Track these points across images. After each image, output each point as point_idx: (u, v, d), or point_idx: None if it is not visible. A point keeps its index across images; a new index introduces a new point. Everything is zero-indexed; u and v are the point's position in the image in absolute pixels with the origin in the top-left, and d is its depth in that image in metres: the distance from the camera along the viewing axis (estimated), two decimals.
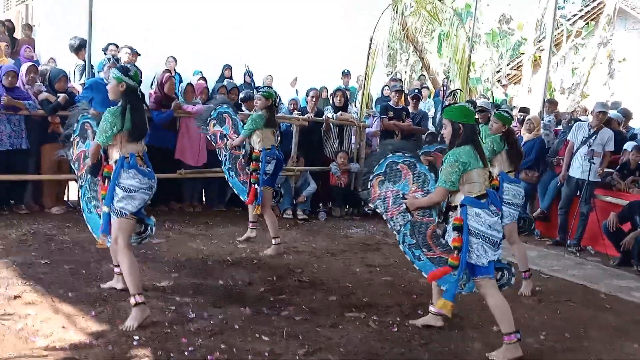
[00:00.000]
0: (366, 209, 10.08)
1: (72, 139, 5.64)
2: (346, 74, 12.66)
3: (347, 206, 10.11)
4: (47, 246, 6.77)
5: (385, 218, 5.22)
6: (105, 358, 4.12)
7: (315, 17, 13.19)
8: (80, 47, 9.68)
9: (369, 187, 5.18)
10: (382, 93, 12.80)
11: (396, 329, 5.02)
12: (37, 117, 8.26)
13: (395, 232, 5.15)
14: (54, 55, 10.64)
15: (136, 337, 4.46)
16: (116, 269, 5.35)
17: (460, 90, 11.82)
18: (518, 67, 22.48)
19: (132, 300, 4.67)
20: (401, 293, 6.00)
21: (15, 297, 5.15)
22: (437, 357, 4.51)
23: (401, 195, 5.01)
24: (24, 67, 8.55)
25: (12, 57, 10.70)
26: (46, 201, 8.49)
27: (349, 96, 10.92)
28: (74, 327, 4.63)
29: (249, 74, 11.69)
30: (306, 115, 9.81)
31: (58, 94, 8.35)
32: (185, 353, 4.27)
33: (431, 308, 5.10)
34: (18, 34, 12.79)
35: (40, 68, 9.03)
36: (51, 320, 4.73)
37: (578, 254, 8.48)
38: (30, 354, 4.13)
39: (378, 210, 5.27)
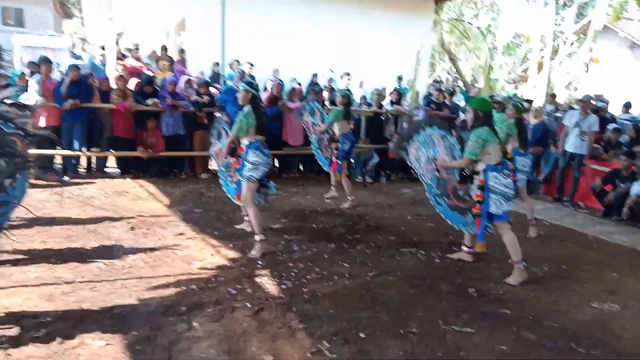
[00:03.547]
0: (414, 174, 9.93)
1: (212, 141, 5.82)
2: (400, 78, 12.43)
3: (401, 172, 10.02)
4: (199, 200, 6.97)
5: (418, 173, 5.18)
6: (240, 275, 4.27)
7: (378, 34, 12.97)
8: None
9: (408, 149, 5.19)
10: (428, 91, 12.55)
11: (438, 260, 5.00)
12: (189, 112, 8.52)
13: (424, 184, 5.12)
14: (202, 69, 10.91)
15: (259, 262, 4.61)
16: (245, 216, 5.53)
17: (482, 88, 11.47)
18: (525, 70, 21.64)
19: (256, 237, 4.82)
20: (441, 235, 5.93)
21: (180, 234, 5.38)
22: (469, 279, 4.48)
23: (432, 157, 4.99)
24: (183, 78, 8.81)
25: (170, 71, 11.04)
26: (197, 169, 8.74)
27: (402, 94, 10.75)
28: (218, 254, 4.81)
29: (330, 79, 11.66)
30: (371, 108, 9.75)
31: (203, 96, 8.60)
32: (292, 273, 4.36)
33: (463, 247, 5.06)
34: (174, 55, 13.15)
35: (191, 79, 9.28)
36: (204, 250, 4.91)
37: (572, 207, 8.17)
38: (191, 272, 4.32)
39: (413, 167, 5.24)
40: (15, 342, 2.97)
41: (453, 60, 19.81)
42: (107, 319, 3.34)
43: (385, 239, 5.63)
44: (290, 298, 3.84)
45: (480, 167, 4.48)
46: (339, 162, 7.17)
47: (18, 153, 2.02)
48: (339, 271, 4.48)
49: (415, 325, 3.51)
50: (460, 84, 17.57)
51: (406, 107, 10.26)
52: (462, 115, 10.55)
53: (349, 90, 7.71)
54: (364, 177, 9.50)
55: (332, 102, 9.23)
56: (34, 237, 4.90)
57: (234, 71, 10.70)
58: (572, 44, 19.94)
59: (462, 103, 12.05)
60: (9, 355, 2.84)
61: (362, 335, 3.32)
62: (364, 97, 10.36)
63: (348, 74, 10.76)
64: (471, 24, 19.26)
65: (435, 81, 15.23)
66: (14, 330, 3.11)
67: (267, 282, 4.15)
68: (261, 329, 3.32)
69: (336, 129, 7.19)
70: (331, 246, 5.21)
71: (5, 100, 3.24)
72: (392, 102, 10.01)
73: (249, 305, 3.65)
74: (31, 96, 7.33)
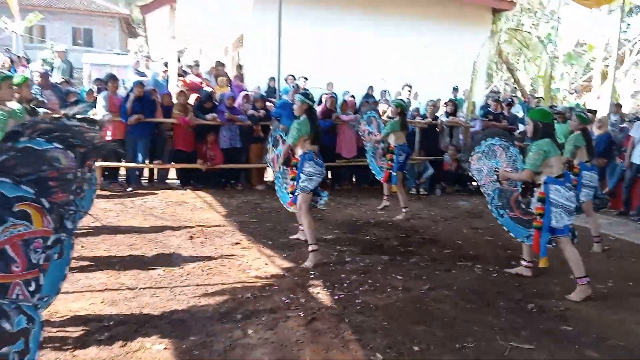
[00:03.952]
0: (470, 187, 9.78)
1: (268, 148, 5.93)
2: (455, 89, 12.23)
3: (457, 185, 9.82)
4: (255, 210, 7.10)
5: (479, 184, 5.08)
6: (293, 284, 4.29)
7: (433, 45, 12.85)
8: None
9: (469, 160, 5.09)
10: (485, 102, 12.28)
11: (495, 275, 4.85)
12: (246, 126, 8.72)
13: (486, 195, 4.99)
14: (259, 84, 11.18)
15: (312, 272, 4.62)
16: (300, 226, 5.58)
17: (542, 98, 11.08)
18: (589, 80, 20.81)
19: (310, 248, 4.83)
20: (499, 249, 5.76)
21: (236, 244, 5.48)
22: (528, 295, 4.30)
23: (494, 169, 4.87)
24: (241, 94, 9.05)
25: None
26: (253, 180, 8.93)
27: (457, 105, 10.57)
28: (272, 264, 4.86)
29: (384, 91, 11.63)
30: (425, 120, 9.64)
31: (259, 110, 8.78)
32: (344, 284, 4.34)
33: (522, 261, 4.88)
34: (232, 71, 13.54)
35: (248, 94, 9.50)
36: (259, 259, 4.98)
37: (638, 221, 7.73)
38: (247, 280, 4.39)
39: (474, 178, 5.14)
40: (81, 344, 3.12)
41: (511, 70, 19.29)
42: (166, 324, 3.44)
43: (440, 252, 5.52)
44: (343, 309, 3.82)
45: (542, 179, 4.33)
46: (394, 173, 7.12)
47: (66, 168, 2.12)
48: (393, 284, 4.43)
49: (471, 340, 3.40)
50: (519, 94, 17.05)
51: (462, 118, 10.07)
52: (520, 127, 10.27)
53: (402, 100, 7.66)
54: (418, 190, 9.37)
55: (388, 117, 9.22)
56: (100, 244, 5.13)
57: (289, 85, 10.89)
58: (638, 52, 19.01)
59: (520, 114, 11.72)
60: (75, 356, 2.98)
61: (416, 348, 3.25)
62: (417, 109, 10.27)
63: (409, 86, 10.66)
64: (530, 33, 18.71)
65: (492, 92, 14.88)
66: (79, 333, 3.26)
67: (320, 292, 4.15)
68: (314, 339, 3.32)
69: (392, 139, 7.15)
70: (384, 258, 5.16)
71: (76, 116, 3.44)
72: (447, 114, 9.86)
73: (302, 315, 3.67)
74: (99, 111, 7.74)
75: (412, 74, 12.18)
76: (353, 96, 10.53)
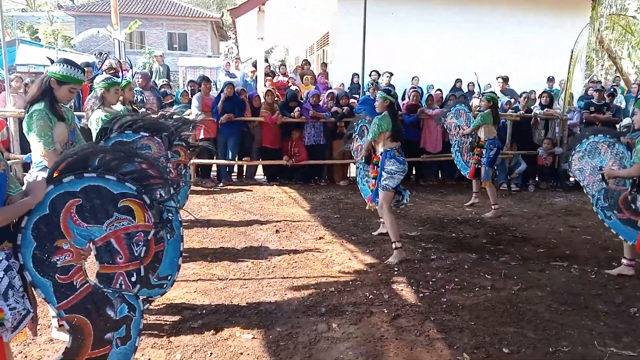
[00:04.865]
0: (567, 182, 9.21)
1: (353, 136, 5.96)
2: (551, 79, 11.53)
3: (552, 181, 9.27)
4: (338, 206, 7.16)
5: (582, 185, 4.77)
6: (377, 280, 4.29)
7: (526, 34, 12.21)
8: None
9: (570, 160, 4.79)
10: (586, 92, 11.48)
11: (594, 276, 4.53)
12: (330, 123, 8.81)
13: (590, 196, 4.67)
14: (343, 81, 11.25)
15: (396, 269, 4.58)
16: (382, 223, 5.55)
17: None
18: None
19: (393, 245, 4.80)
20: (598, 248, 5.39)
21: (320, 238, 5.57)
22: (631, 298, 3.99)
23: (598, 167, 4.54)
24: (326, 93, 9.15)
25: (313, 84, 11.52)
26: (336, 177, 8.99)
27: (553, 96, 9.96)
28: (355, 259, 4.89)
29: (472, 84, 11.22)
30: (518, 112, 9.19)
31: (343, 107, 8.83)
32: (429, 282, 4.27)
33: (623, 260, 4.53)
34: (317, 69, 13.71)
35: (332, 92, 9.57)
36: (342, 254, 5.03)
37: None
38: (331, 274, 4.45)
39: (576, 178, 4.84)
40: (176, 331, 3.32)
41: (613, 58, 17.88)
42: (254, 315, 3.57)
43: (532, 251, 5.26)
44: (428, 307, 3.76)
45: None
46: (486, 169, 6.85)
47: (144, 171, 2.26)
48: (481, 283, 4.29)
49: (566, 344, 3.22)
50: (622, 83, 15.77)
51: (558, 110, 9.49)
52: (626, 120, 9.50)
53: (494, 93, 7.35)
54: (510, 185, 8.96)
55: (478, 110, 8.90)
56: (193, 237, 5.42)
57: (371, 82, 10.83)
58: None
59: (622, 105, 10.86)
60: (170, 342, 3.17)
61: (505, 350, 3.13)
62: (509, 102, 9.81)
63: (502, 78, 10.20)
64: (636, 17, 17.18)
65: (591, 81, 13.89)
66: (174, 320, 3.47)
67: (404, 290, 4.11)
68: (398, 336, 3.30)
69: (482, 133, 6.89)
70: (472, 256, 5.00)
71: (174, 116, 3.66)
72: (542, 105, 9.34)
73: (386, 311, 3.65)
74: (193, 112, 8.16)
75: (504, 65, 11.67)
76: (440, 90, 10.29)
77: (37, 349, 3.04)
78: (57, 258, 2.04)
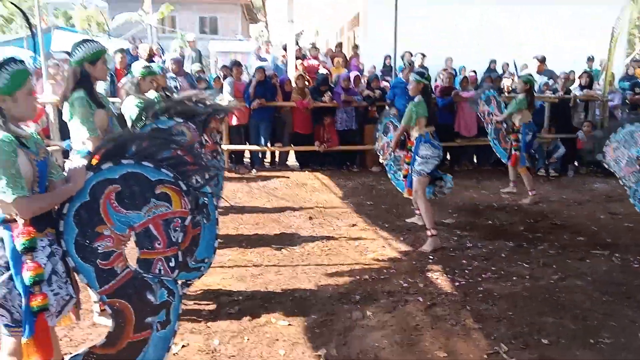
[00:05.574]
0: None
1: (378, 135, 5.88)
2: (590, 59, 11.12)
3: (592, 165, 8.98)
4: (371, 193, 7.13)
5: (618, 176, 4.60)
6: (411, 268, 4.27)
7: (564, 12, 11.81)
8: None
9: (604, 150, 4.61)
10: (625, 72, 11.03)
11: (637, 265, 4.39)
12: (361, 107, 8.72)
13: (626, 188, 4.51)
14: (375, 63, 11.11)
15: (431, 257, 4.55)
16: (416, 210, 5.50)
17: None
18: None
19: (428, 232, 4.75)
20: None
21: (353, 225, 5.56)
22: None
23: (635, 158, 4.37)
24: (352, 74, 9.05)
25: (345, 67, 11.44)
26: (369, 162, 8.93)
27: (593, 77, 9.61)
28: (390, 246, 4.87)
29: (507, 64, 10.92)
30: (556, 94, 8.91)
31: (375, 91, 8.73)
32: (465, 270, 4.23)
33: None
34: (348, 51, 13.58)
35: (363, 74, 9.48)
36: (375, 242, 5.01)
37: None
38: (364, 262, 4.45)
39: (611, 169, 4.65)
40: (214, 316, 3.38)
41: None
42: (289, 301, 3.60)
43: (572, 239, 5.12)
44: (464, 296, 3.72)
45: None
46: (522, 154, 6.67)
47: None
48: (518, 272, 4.21)
49: (608, 336, 3.14)
50: None
51: (598, 91, 9.16)
52: None
53: (531, 75, 7.13)
54: (548, 171, 8.73)
55: (512, 90, 8.68)
56: (228, 223, 5.48)
57: (405, 63, 10.66)
58: None
59: None
60: (208, 327, 3.23)
61: (544, 341, 3.08)
62: (546, 83, 9.53)
63: (538, 59, 9.88)
64: None
65: (634, 60, 13.33)
66: (212, 306, 3.53)
67: (439, 278, 4.08)
68: (434, 325, 3.28)
69: (516, 118, 6.71)
70: (509, 244, 4.91)
71: (207, 101, 3.68)
72: (581, 86, 9.03)
73: (421, 300, 3.63)
74: (225, 97, 8.19)
75: (540, 44, 11.31)
76: (474, 71, 10.05)
77: (80, 333, 3.14)
78: (99, 244, 2.08)
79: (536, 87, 8.42)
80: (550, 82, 9.47)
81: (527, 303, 3.59)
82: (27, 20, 6.19)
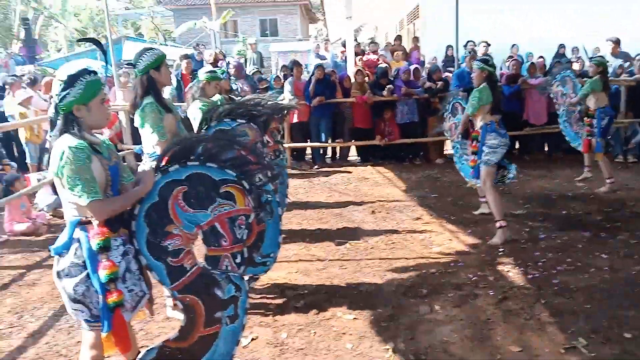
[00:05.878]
0: None
1: (445, 115, 5.73)
2: None
3: None
4: (435, 185, 6.98)
5: None
6: (480, 262, 4.15)
7: None
8: None
9: None
10: None
11: None
12: (423, 99, 8.56)
13: None
14: (436, 54, 10.88)
15: (501, 249, 4.40)
16: (482, 200, 5.33)
17: None
18: None
19: (497, 224, 4.59)
20: None
21: (417, 219, 5.47)
22: None
23: None
24: (412, 67, 8.91)
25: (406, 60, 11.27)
26: (432, 155, 8.74)
27: None
28: (456, 240, 4.75)
29: (576, 49, 10.33)
30: (633, 77, 8.33)
31: (436, 82, 8.54)
32: (538, 263, 4.05)
33: None
34: (408, 43, 13.37)
35: (424, 66, 9.30)
36: (441, 235, 4.91)
37: None
38: (430, 256, 4.37)
39: None
40: (281, 310, 3.43)
41: None
42: (354, 295, 3.60)
43: None
44: (537, 289, 3.56)
45: None
46: (597, 140, 6.30)
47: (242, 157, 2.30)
48: (596, 263, 3.99)
49: None
50: None
51: None
52: None
53: (603, 58, 6.71)
54: (626, 157, 8.18)
55: (584, 75, 8.21)
56: (292, 219, 5.55)
57: (468, 53, 10.36)
58: None
59: None
60: (276, 320, 3.29)
61: (627, 335, 2.89)
62: (621, 66, 8.94)
63: (613, 41, 9.29)
64: None
65: None
66: (278, 300, 3.58)
67: (510, 271, 3.93)
68: (506, 319, 3.16)
69: (591, 102, 6.32)
70: (585, 235, 4.66)
71: (268, 102, 3.74)
72: None
73: (491, 293, 3.52)
74: (286, 96, 8.30)
75: (613, 25, 10.63)
76: (542, 57, 9.60)
77: (155, 327, 3.28)
78: (168, 242, 2.17)
79: (610, 70, 7.91)
80: (626, 64, 8.87)
81: (607, 296, 3.40)
82: (98, 43, 6.51)
